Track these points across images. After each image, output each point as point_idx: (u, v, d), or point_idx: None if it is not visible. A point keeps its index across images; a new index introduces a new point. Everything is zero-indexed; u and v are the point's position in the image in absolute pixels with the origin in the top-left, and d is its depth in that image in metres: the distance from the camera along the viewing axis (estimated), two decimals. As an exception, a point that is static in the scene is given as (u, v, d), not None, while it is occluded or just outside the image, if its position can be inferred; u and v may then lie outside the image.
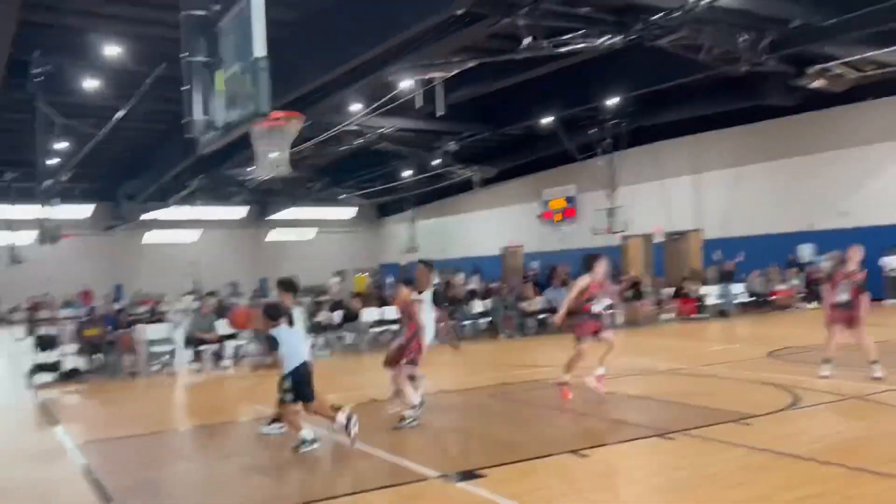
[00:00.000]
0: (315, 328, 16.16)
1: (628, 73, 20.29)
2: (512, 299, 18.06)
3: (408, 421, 7.72)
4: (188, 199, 33.65)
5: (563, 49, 15.15)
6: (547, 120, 24.32)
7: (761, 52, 15.86)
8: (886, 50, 16.30)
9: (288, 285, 8.12)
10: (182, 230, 39.67)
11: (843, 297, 9.57)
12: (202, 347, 14.15)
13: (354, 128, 22.30)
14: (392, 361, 7.98)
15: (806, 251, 23.36)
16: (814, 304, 20.62)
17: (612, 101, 22.31)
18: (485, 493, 5.41)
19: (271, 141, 7.35)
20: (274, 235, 43.21)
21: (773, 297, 21.71)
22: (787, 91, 20.51)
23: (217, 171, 28.69)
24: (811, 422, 7.49)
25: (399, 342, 8.04)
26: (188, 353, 14.33)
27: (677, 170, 27.62)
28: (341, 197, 36.88)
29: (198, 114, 6.47)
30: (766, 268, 22.30)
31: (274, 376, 7.22)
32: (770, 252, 23.30)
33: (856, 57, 17.25)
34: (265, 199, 40.25)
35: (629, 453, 6.52)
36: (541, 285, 23.47)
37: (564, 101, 22.74)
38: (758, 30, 15.58)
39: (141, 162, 30.42)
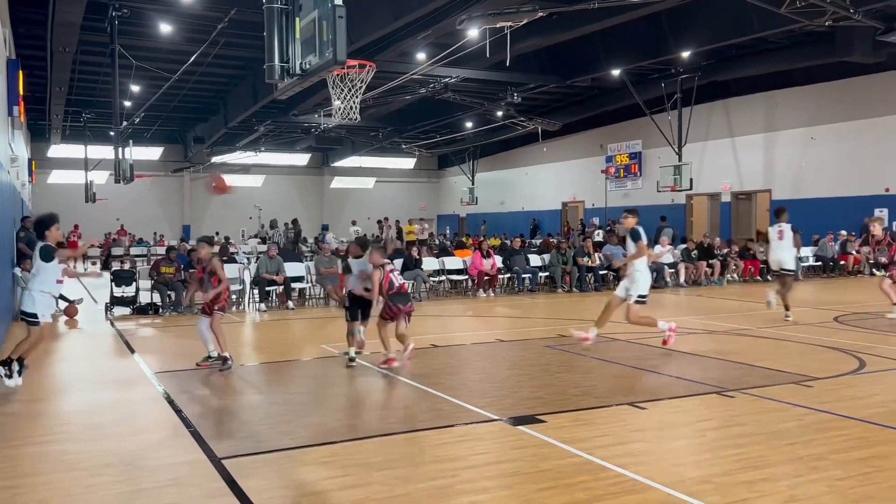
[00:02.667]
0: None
1: (703, 25, 19.63)
2: (571, 254, 18.04)
3: (228, 364, 8.36)
4: (254, 145, 34.36)
5: (636, -1, 14.77)
6: (616, 72, 23.75)
7: (848, 5, 15.15)
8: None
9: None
10: (247, 175, 40.52)
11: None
12: (269, 288, 14.76)
13: (419, 77, 22.24)
14: (208, 310, 8.62)
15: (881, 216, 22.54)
16: (881, 272, 19.99)
17: (686, 54, 21.60)
18: (543, 437, 5.58)
19: (344, 88, 7.46)
20: (335, 183, 43.78)
21: (843, 262, 21.13)
22: (873, 47, 19.61)
23: (283, 117, 29.11)
24: (875, 387, 7.38)
25: (211, 294, 8.59)
26: (255, 294, 14.92)
27: (749, 127, 26.79)
28: (403, 147, 36.98)
29: (276, 59, 6.62)
30: (836, 232, 21.64)
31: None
32: (842, 216, 22.56)
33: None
34: (327, 146, 40.71)
35: (688, 408, 6.58)
36: (599, 241, 23.35)
37: (635, 54, 22.15)
38: (845, -19, 14.89)
39: (210, 107, 31.07)
